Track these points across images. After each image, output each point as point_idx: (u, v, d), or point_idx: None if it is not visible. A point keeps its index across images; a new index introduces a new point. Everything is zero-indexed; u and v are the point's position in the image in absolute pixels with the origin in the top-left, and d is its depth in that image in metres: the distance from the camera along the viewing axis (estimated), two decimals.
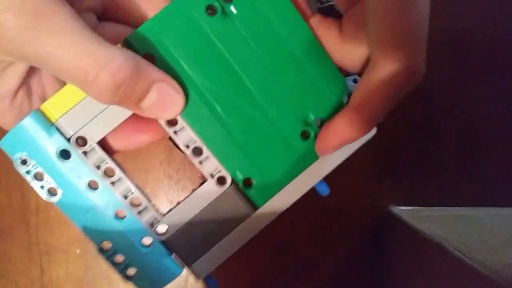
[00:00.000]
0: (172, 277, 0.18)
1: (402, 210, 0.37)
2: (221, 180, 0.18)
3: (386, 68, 0.15)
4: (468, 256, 0.24)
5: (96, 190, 0.17)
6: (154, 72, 0.16)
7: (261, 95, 0.18)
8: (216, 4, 0.17)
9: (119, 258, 0.18)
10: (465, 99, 0.40)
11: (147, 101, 0.16)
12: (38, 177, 0.17)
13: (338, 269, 0.38)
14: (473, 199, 0.39)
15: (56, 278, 0.36)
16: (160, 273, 0.18)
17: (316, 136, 0.18)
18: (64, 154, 0.17)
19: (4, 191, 0.36)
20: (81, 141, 0.17)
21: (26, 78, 0.17)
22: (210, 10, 0.17)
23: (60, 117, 0.17)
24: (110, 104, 0.16)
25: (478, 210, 0.36)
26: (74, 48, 0.14)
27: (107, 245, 0.18)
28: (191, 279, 0.37)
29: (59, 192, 0.17)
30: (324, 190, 0.20)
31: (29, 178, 0.17)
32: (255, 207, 0.19)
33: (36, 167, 0.17)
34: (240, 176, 0.18)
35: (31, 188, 0.17)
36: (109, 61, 0.15)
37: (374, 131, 0.19)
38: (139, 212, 0.18)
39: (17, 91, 0.17)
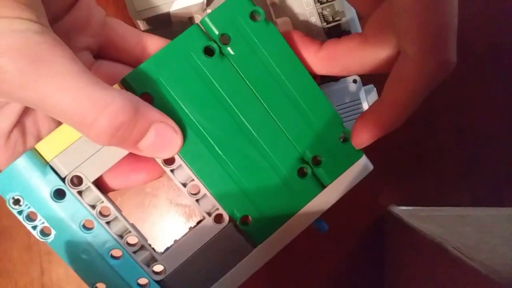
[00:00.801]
0: None
1: (402, 210, 0.37)
2: (218, 218, 0.18)
3: (421, 60, 0.16)
4: (468, 256, 0.24)
5: (91, 230, 0.17)
6: (152, 112, 0.16)
7: (258, 134, 0.18)
8: (214, 46, 0.17)
9: None
10: (465, 99, 0.40)
11: (145, 142, 0.16)
12: (31, 217, 0.17)
13: (338, 269, 0.38)
14: (472, 199, 0.39)
15: (56, 278, 0.36)
16: None
17: (313, 173, 0.19)
18: (59, 194, 0.17)
19: None
20: (76, 181, 0.17)
21: (20, 118, 0.17)
22: (208, 51, 0.17)
23: (55, 157, 0.17)
24: (108, 145, 0.16)
25: (478, 210, 0.36)
26: (73, 92, 0.14)
27: (101, 287, 0.18)
28: None
29: (53, 232, 0.17)
30: (323, 227, 0.20)
31: (21, 218, 0.17)
32: (253, 245, 0.19)
33: (29, 207, 0.17)
34: (238, 214, 0.18)
35: None
36: (108, 104, 0.15)
37: (370, 167, 0.19)
38: (135, 252, 0.18)
39: (11, 131, 0.17)
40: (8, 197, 0.16)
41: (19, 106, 0.17)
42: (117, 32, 0.19)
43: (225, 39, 0.17)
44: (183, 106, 0.17)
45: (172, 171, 0.18)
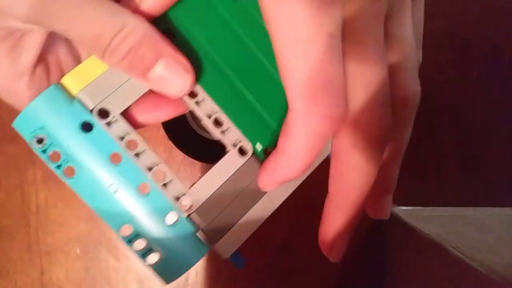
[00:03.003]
0: (198, 257, 0.18)
1: (402, 210, 0.37)
2: (242, 151, 0.18)
3: (294, 112, 0.16)
4: (468, 256, 0.24)
5: (119, 164, 0.17)
6: (165, 46, 0.17)
7: (274, 68, 0.18)
8: None
9: (141, 243, 0.17)
10: (465, 99, 0.40)
11: (154, 73, 0.17)
12: (55, 156, 0.16)
13: (338, 269, 0.38)
14: (473, 199, 0.39)
15: (56, 278, 0.36)
16: (185, 253, 0.18)
17: None
18: (86, 127, 0.17)
19: (4, 191, 0.36)
20: (104, 113, 0.17)
21: (42, 54, 0.17)
22: None
23: (81, 90, 0.17)
24: (120, 69, 0.17)
25: (478, 210, 0.36)
26: (90, 17, 0.15)
27: (127, 230, 0.17)
28: (192, 277, 0.37)
29: (77, 171, 0.17)
30: (238, 263, 0.19)
31: (44, 157, 0.16)
32: None
33: (53, 146, 0.16)
34: (259, 148, 0.19)
35: (31, 188, 0.17)
36: (121, 28, 0.16)
37: (328, 150, 0.20)
38: (164, 185, 0.18)
39: (35, 67, 0.17)
40: (32, 135, 0.16)
41: (40, 38, 0.17)
42: None
43: None
44: (203, 43, 0.18)
45: (197, 103, 0.18)
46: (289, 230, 0.38)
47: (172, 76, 0.17)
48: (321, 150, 0.17)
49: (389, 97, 0.18)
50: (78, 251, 0.37)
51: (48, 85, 0.18)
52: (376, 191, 0.20)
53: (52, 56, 0.18)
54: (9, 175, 0.36)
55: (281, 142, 0.17)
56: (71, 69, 0.17)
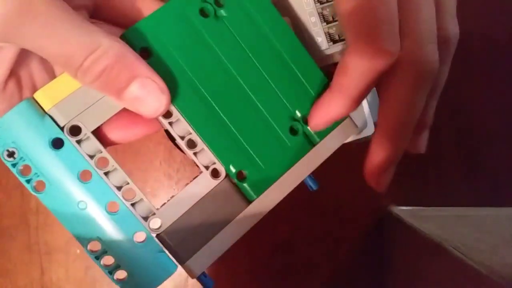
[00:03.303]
0: (166, 275, 0.18)
1: (402, 210, 0.37)
2: (215, 173, 0.18)
3: (357, 48, 0.17)
4: (468, 256, 0.24)
5: (88, 182, 0.17)
6: (140, 65, 0.17)
7: (253, 92, 0.19)
8: (209, 8, 0.18)
9: (109, 259, 0.17)
10: (465, 99, 0.40)
11: (128, 93, 0.16)
12: (25, 170, 0.16)
13: (338, 269, 0.38)
14: (473, 199, 0.39)
15: (56, 278, 0.36)
16: (153, 271, 0.18)
17: (304, 132, 0.20)
18: (57, 143, 0.17)
19: (4, 191, 0.36)
20: (75, 130, 0.17)
21: (14, 68, 0.17)
22: (203, 13, 0.18)
23: (53, 106, 0.17)
24: (93, 88, 0.17)
25: (478, 210, 0.35)
26: (63, 35, 0.15)
27: (95, 246, 0.17)
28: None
29: (47, 186, 0.17)
30: (313, 185, 0.20)
31: (15, 171, 0.16)
32: (248, 201, 0.19)
33: (24, 160, 0.16)
34: (233, 170, 0.19)
35: None
36: (95, 48, 0.15)
37: (372, 130, 0.20)
38: (133, 205, 0.18)
39: (6, 81, 0.17)
40: (2, 148, 0.16)
41: (11, 54, 0.17)
42: None
43: (218, 2, 0.18)
44: (181, 63, 0.18)
45: (170, 124, 0.18)
46: (289, 230, 0.38)
47: (147, 96, 0.17)
48: (374, 86, 0.18)
49: (436, 35, 0.18)
50: (78, 251, 0.37)
51: (20, 100, 0.17)
52: (417, 126, 0.20)
53: (25, 71, 0.18)
54: (9, 175, 0.36)
55: (337, 80, 0.18)
56: (44, 82, 0.17)
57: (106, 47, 0.16)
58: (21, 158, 0.16)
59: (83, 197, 0.17)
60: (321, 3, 0.22)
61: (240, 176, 0.19)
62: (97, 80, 0.16)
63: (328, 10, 0.22)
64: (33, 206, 0.36)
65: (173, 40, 0.18)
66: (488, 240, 0.28)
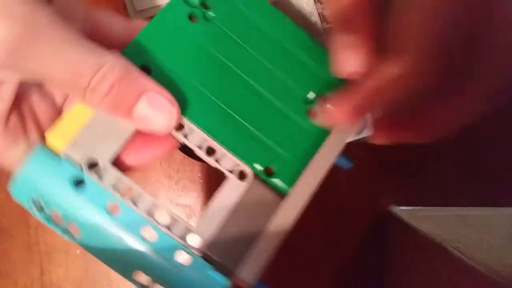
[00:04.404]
0: None
1: (402, 210, 0.37)
2: (242, 175, 0.18)
3: (411, 65, 0.16)
4: (468, 256, 0.24)
5: (119, 214, 0.16)
6: (146, 81, 0.16)
7: (258, 84, 0.19)
8: (197, 12, 0.18)
9: None
10: None
11: (138, 110, 0.16)
12: (57, 218, 0.16)
13: (338, 269, 0.38)
14: (473, 199, 0.39)
15: (56, 278, 0.36)
16: None
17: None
18: (79, 183, 0.16)
19: (4, 191, 0.36)
20: (93, 165, 0.17)
21: (16, 102, 0.17)
22: (192, 18, 0.18)
23: (67, 146, 0.16)
24: (102, 110, 0.16)
25: (478, 210, 0.35)
26: (68, 57, 0.15)
27: (141, 277, 0.16)
28: None
29: (80, 229, 0.16)
30: (346, 163, 0.19)
31: (50, 224, 0.16)
32: (283, 195, 0.18)
33: (52, 209, 0.16)
34: (259, 167, 0.18)
35: None
36: (100, 67, 0.15)
37: (370, 130, 0.20)
38: (169, 227, 0.17)
39: (8, 116, 0.17)
40: (30, 204, 0.16)
41: (12, 88, 0.17)
42: (103, 18, 0.19)
43: (205, 5, 0.18)
44: (182, 73, 0.18)
45: (185, 136, 0.18)
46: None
47: (157, 111, 0.16)
48: None
49: None
50: (78, 251, 0.37)
51: (24, 133, 0.17)
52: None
53: (26, 104, 0.18)
54: (9, 175, 0.36)
55: (369, 85, 0.17)
56: (47, 114, 0.17)
57: (112, 63, 0.16)
58: (49, 207, 0.16)
59: (117, 232, 0.16)
60: (321, 3, 0.22)
61: (268, 172, 0.18)
62: (105, 99, 0.16)
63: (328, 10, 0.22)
64: None
65: (169, 51, 0.18)
66: (488, 240, 0.28)
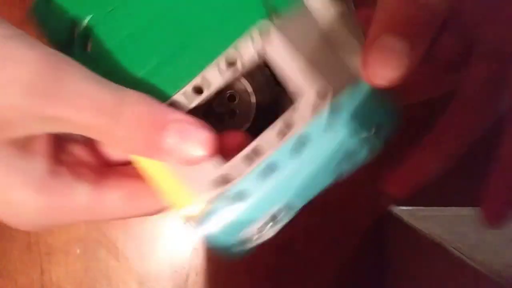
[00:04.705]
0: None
1: (402, 210, 0.37)
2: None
3: None
4: (468, 256, 0.24)
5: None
6: (169, 111, 0.16)
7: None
8: None
9: None
10: None
11: (168, 144, 0.15)
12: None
13: (338, 269, 0.38)
14: (473, 199, 0.39)
15: (56, 278, 0.36)
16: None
17: None
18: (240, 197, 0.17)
19: None
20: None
21: (55, 155, 0.17)
22: None
23: (198, 208, 0.17)
24: (131, 151, 0.16)
25: (478, 210, 0.35)
26: (92, 90, 0.15)
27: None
28: (192, 277, 0.37)
29: None
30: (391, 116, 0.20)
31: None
32: None
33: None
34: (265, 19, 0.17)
35: None
36: (122, 97, 0.15)
37: None
38: None
39: (52, 172, 0.16)
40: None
41: (45, 141, 0.16)
42: None
43: None
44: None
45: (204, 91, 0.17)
46: (289, 230, 0.37)
47: (188, 140, 0.15)
48: None
49: None
50: (78, 251, 0.36)
51: (73, 184, 0.17)
52: None
53: (65, 154, 0.18)
54: None
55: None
56: (85, 155, 0.17)
57: (132, 95, 0.15)
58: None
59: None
60: None
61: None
62: (133, 135, 0.15)
63: None
64: None
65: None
66: (488, 240, 0.28)
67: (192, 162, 0.16)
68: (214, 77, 0.17)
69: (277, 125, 0.17)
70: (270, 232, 0.18)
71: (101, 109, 0.14)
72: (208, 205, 0.17)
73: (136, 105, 0.15)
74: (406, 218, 0.34)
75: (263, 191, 0.17)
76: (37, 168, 0.16)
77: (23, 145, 0.16)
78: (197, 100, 0.17)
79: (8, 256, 0.36)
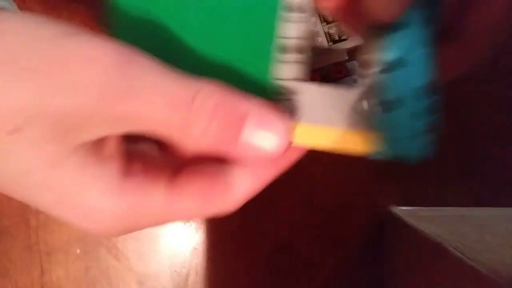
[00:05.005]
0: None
1: (402, 210, 0.37)
2: None
3: None
4: (468, 256, 0.24)
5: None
6: (246, 101, 0.15)
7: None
8: None
9: None
10: (465, 99, 0.40)
11: (246, 137, 0.15)
12: None
13: (338, 269, 0.38)
14: (473, 199, 0.39)
15: (56, 278, 0.36)
16: None
17: None
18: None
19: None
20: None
21: (127, 157, 0.16)
22: None
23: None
24: (204, 147, 0.15)
25: (478, 210, 0.36)
26: (166, 85, 0.14)
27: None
28: (192, 277, 0.37)
29: None
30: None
31: None
32: None
33: None
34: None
35: None
36: (198, 90, 0.14)
37: None
38: None
39: (125, 174, 0.15)
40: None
41: (115, 141, 0.16)
42: None
43: None
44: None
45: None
46: (289, 230, 0.38)
47: (267, 131, 0.15)
48: None
49: None
50: (78, 251, 0.37)
51: (146, 184, 0.16)
52: None
53: (137, 155, 0.16)
54: None
55: None
56: (155, 154, 0.16)
57: (208, 86, 0.14)
58: None
59: None
60: (328, 23, 0.22)
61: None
62: (209, 130, 0.14)
63: (334, 29, 0.22)
64: (33, 206, 0.36)
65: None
66: (488, 240, 0.28)
67: (264, 157, 0.15)
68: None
69: None
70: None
71: (176, 104, 0.14)
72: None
73: (212, 97, 0.14)
74: (406, 218, 0.34)
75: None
76: (111, 172, 0.15)
77: (95, 148, 0.15)
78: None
79: (8, 256, 0.36)
